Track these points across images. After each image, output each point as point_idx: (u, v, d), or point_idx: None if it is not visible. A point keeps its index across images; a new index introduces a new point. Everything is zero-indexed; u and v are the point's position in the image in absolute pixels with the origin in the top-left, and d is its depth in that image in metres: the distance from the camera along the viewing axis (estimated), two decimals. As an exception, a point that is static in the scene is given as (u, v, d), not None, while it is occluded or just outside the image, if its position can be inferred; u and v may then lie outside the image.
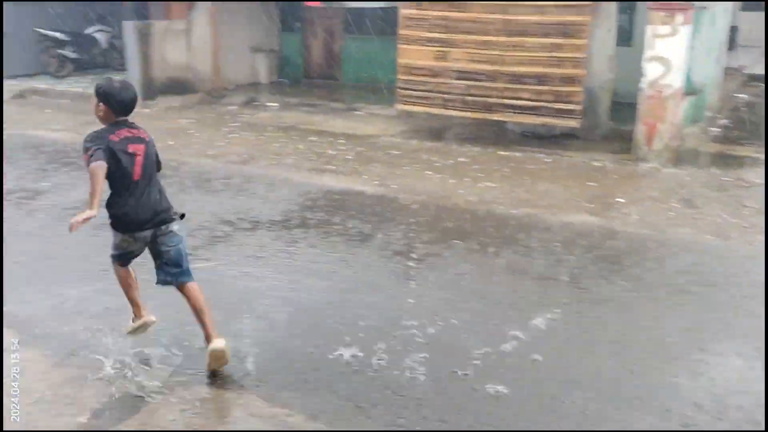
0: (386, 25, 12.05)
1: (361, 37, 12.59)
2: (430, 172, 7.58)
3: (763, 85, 11.06)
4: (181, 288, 3.76)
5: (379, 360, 3.84)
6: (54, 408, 3.45)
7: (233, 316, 4.36)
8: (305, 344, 4.03)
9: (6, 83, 12.89)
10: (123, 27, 11.35)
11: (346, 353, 3.91)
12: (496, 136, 8.96)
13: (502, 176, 7.42)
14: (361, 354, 3.89)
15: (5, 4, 13.20)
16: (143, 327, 3.88)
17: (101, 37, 14.04)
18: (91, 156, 3.40)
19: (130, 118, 3.66)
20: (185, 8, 13.27)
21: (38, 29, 13.31)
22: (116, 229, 3.66)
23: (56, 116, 10.68)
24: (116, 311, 4.34)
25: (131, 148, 3.53)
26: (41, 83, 12.97)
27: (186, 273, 3.77)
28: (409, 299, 4.59)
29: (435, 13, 8.88)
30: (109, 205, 3.62)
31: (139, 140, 3.59)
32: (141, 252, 3.77)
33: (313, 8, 11.88)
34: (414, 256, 5.32)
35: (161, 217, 3.65)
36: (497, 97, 8.73)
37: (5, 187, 6.82)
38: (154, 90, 11.27)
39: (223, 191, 6.94)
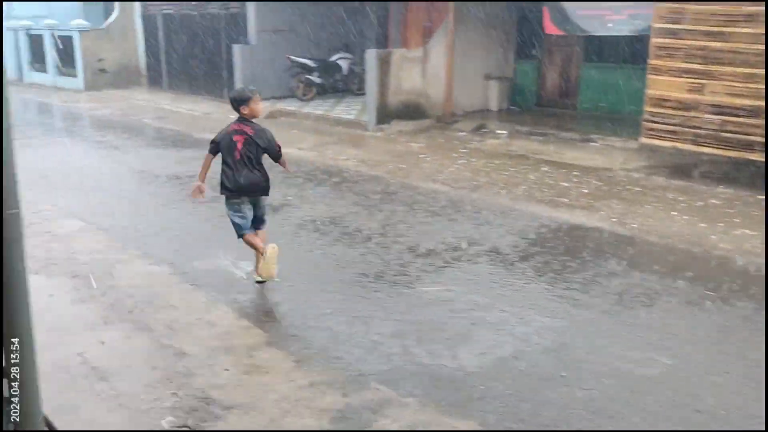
0: (629, 53, 11.42)
1: (602, 65, 12.06)
2: (676, 213, 6.92)
3: None
4: (257, 229, 5.18)
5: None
6: (294, 410, 3.56)
7: (458, 343, 4.27)
8: (528, 385, 3.79)
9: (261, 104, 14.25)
10: (366, 55, 12.00)
11: (578, 404, 3.60)
12: (754, 177, 7.98)
13: (763, 224, 6.56)
14: (592, 412, 3.56)
15: (270, 36, 14.66)
16: (265, 260, 4.98)
17: (344, 64, 14.98)
18: (209, 148, 5.09)
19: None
20: (422, 37, 13.77)
21: (291, 57, 14.55)
22: (222, 191, 5.05)
23: (301, 136, 11.51)
24: (361, 322, 4.46)
25: (235, 138, 4.93)
26: (289, 105, 14.12)
27: (264, 224, 5.28)
28: (653, 356, 4.13)
29: (691, 43, 8.20)
30: (221, 173, 5.01)
31: (242, 133, 4.94)
32: (251, 214, 5.10)
33: (552, 35, 11.61)
34: (656, 305, 4.83)
35: (260, 188, 5.07)
36: (760, 135, 7.80)
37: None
38: (388, 114, 11.72)
39: (452, 217, 6.92)
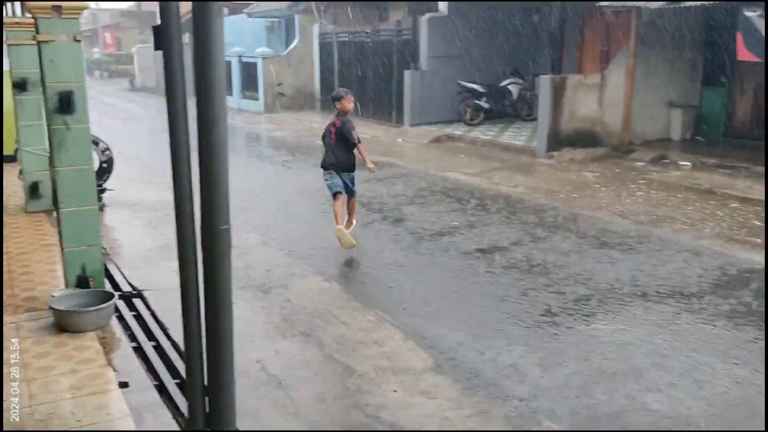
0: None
1: (803, 95, 10.91)
2: None
3: None
4: (350, 199, 6.89)
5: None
6: (461, 439, 3.50)
7: (635, 386, 3.99)
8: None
9: (425, 128, 14.49)
10: (539, 80, 11.79)
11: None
12: None
13: None
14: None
15: (440, 62, 14.89)
16: (342, 235, 6.47)
17: (514, 89, 14.82)
18: (322, 136, 6.94)
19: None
20: (599, 62, 13.30)
21: (460, 82, 14.64)
22: (322, 166, 6.83)
23: (467, 161, 11.52)
24: (531, 356, 4.31)
25: (331, 128, 6.69)
26: (456, 130, 14.19)
27: (353, 193, 6.93)
28: None
29: None
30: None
31: (334, 125, 6.67)
32: (339, 185, 6.67)
33: (745, 62, 10.70)
34: None
35: (341, 165, 6.69)
36: None
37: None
38: (560, 141, 11.40)
39: (630, 252, 6.52)
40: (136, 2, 43.40)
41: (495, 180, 9.88)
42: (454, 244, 6.82)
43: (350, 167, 6.75)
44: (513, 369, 4.23)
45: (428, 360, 4.38)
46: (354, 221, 7.08)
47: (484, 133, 13.69)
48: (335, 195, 6.65)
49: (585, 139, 11.57)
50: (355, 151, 6.72)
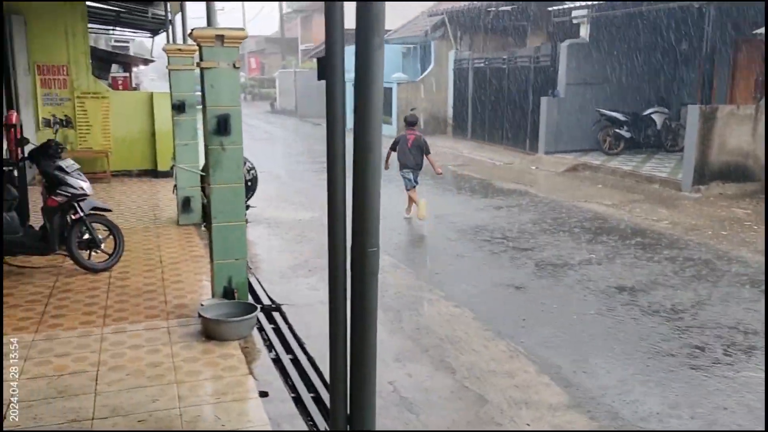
0: None
1: None
2: None
3: None
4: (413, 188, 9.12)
5: None
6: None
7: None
8: None
9: (561, 157, 14.14)
10: (687, 110, 11.20)
11: None
12: None
13: None
14: None
15: (579, 89, 14.55)
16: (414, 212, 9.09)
17: (658, 119, 14.16)
18: (390, 146, 9.08)
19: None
20: (755, 91, 12.45)
21: (600, 110, 14.20)
22: (400, 165, 8.97)
23: (605, 191, 11.10)
24: (673, 400, 4.08)
25: (408, 136, 8.99)
26: (593, 159, 13.72)
27: (416, 185, 9.07)
28: None
29: None
30: (398, 156, 9.03)
31: (413, 134, 8.96)
32: (412, 182, 8.95)
33: None
34: None
35: (417, 165, 8.95)
36: None
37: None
38: (707, 174, 10.75)
39: (787, 295, 6.01)
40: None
41: (635, 213, 9.44)
42: (590, 278, 6.58)
43: (420, 167, 9.04)
44: (654, 412, 4.01)
45: (562, 395, 4.24)
46: (415, 204, 9.11)
47: (624, 163, 13.15)
48: (408, 188, 9.07)
49: (736, 173, 10.82)
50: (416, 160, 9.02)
